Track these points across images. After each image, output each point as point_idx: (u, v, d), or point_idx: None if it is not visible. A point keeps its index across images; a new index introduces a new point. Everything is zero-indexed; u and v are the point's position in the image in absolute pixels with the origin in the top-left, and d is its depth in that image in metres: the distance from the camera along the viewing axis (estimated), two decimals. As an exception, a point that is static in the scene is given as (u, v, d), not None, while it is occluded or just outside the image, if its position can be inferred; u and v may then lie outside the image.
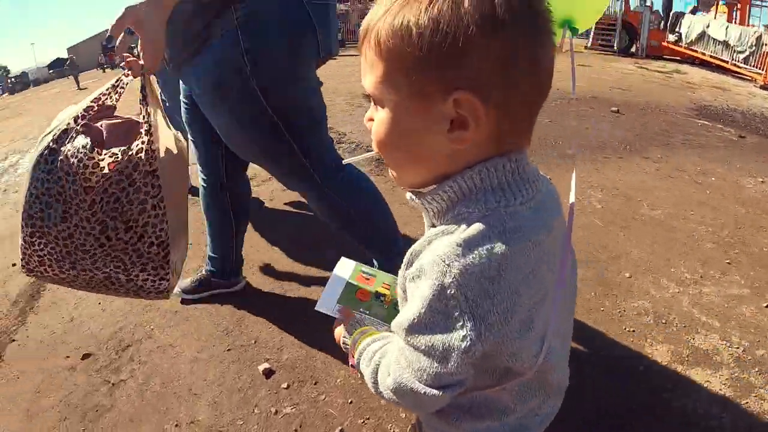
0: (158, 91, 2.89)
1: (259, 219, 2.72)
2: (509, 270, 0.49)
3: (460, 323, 0.49)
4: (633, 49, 12.98)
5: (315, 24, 1.36)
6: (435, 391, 0.54)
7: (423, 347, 0.53)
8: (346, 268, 0.93)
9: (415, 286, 0.53)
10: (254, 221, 2.63)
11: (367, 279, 0.91)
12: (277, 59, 1.34)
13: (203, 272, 1.99)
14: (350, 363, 0.74)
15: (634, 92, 6.73)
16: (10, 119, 10.06)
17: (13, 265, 2.39)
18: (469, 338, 0.49)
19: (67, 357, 1.76)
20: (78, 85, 17.52)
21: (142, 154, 0.99)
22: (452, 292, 0.48)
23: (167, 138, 1.10)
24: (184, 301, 1.99)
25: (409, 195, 0.60)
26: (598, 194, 3.05)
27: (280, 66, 1.35)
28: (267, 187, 3.19)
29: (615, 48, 13.01)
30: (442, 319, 0.50)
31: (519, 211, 0.53)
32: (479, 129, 0.50)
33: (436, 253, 0.50)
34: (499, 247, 0.49)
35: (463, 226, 0.52)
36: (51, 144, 1.00)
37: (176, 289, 1.99)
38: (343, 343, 0.79)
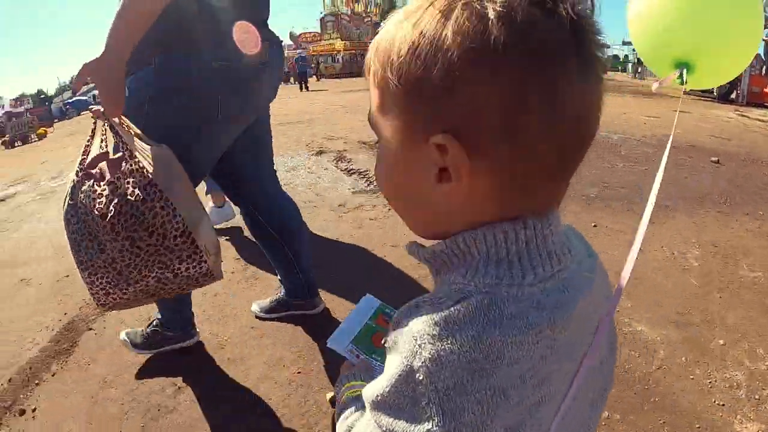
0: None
1: (345, 248, 2.75)
2: (498, 365, 0.39)
3: (427, 414, 0.40)
4: (733, 96, 12.15)
5: (220, 87, 1.39)
6: None
7: (385, 428, 0.44)
8: (368, 307, 0.88)
9: (390, 359, 0.45)
10: (340, 250, 2.69)
11: (387, 321, 0.85)
12: (169, 112, 1.39)
13: (282, 293, 2.01)
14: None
15: (735, 142, 6.25)
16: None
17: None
18: None
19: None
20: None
21: (136, 174, 1.19)
22: (420, 377, 0.40)
23: (151, 151, 1.27)
24: (259, 318, 2.01)
25: (407, 245, 0.51)
26: (695, 251, 2.82)
27: (174, 119, 1.40)
28: (353, 216, 3.22)
29: (714, 94, 12.24)
30: (408, 404, 0.41)
31: (527, 293, 0.42)
32: (462, 185, 0.41)
33: (412, 327, 0.42)
34: (488, 337, 0.39)
35: (451, 301, 0.42)
36: (69, 201, 1.23)
37: (254, 307, 2.04)
38: (337, 391, 0.74)
